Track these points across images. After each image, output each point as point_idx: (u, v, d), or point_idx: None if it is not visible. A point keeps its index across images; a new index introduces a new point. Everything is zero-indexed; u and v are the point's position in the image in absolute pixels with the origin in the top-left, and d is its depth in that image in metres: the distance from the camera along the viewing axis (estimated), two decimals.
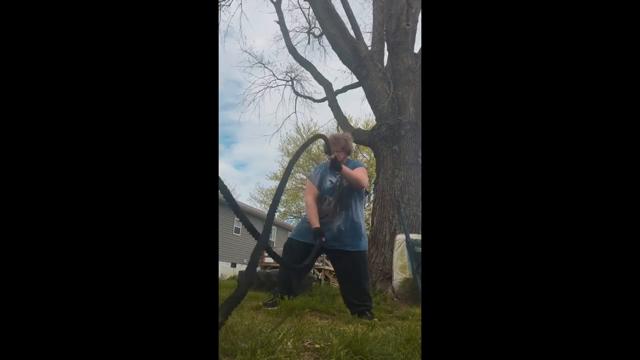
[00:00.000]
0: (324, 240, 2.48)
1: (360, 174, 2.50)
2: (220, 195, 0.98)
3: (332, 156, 2.39)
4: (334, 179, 2.59)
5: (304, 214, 2.79)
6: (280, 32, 7.51)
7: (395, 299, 3.63)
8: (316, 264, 2.91)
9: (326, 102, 6.53)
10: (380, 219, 4.34)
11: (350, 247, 2.49)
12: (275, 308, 2.29)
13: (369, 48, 5.45)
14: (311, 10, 6.90)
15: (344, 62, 5.51)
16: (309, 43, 8.46)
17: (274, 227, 17.49)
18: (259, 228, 1.11)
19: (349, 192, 2.54)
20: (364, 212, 2.77)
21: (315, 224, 2.50)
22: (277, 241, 17.69)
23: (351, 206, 2.53)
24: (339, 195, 2.55)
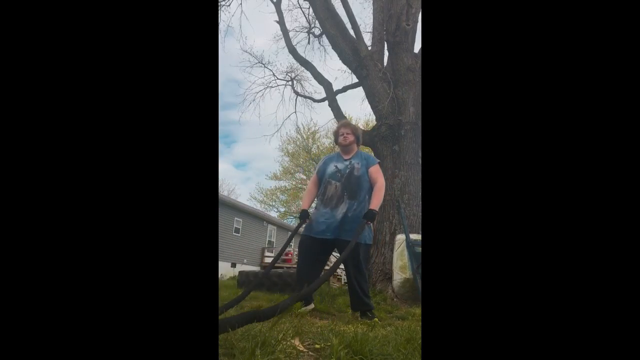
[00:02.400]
0: (308, 222, 2.53)
1: (381, 184, 2.49)
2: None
3: (364, 222, 2.38)
4: (340, 165, 2.56)
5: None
6: (280, 32, 7.51)
7: (395, 299, 3.63)
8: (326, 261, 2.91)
9: (326, 102, 6.53)
10: (380, 219, 4.34)
11: (351, 237, 2.38)
12: (311, 307, 2.34)
13: (369, 48, 5.45)
14: (311, 10, 6.89)
15: (344, 62, 5.51)
16: (309, 43, 8.45)
17: (273, 227, 17.48)
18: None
19: (359, 182, 2.49)
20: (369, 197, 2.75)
21: (304, 206, 2.57)
22: (277, 241, 17.68)
23: (359, 197, 2.47)
24: (347, 183, 2.50)
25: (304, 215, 2.53)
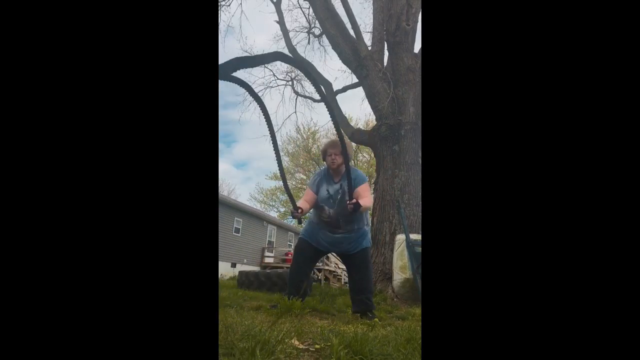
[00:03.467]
0: (301, 215, 2.40)
1: (369, 199, 2.45)
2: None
3: (354, 201, 2.28)
4: (331, 189, 2.54)
5: (309, 215, 2.76)
6: (280, 32, 7.52)
7: (395, 299, 3.63)
8: (317, 264, 2.94)
9: None
10: (380, 219, 4.34)
11: (354, 249, 2.52)
12: (275, 310, 2.29)
13: (369, 48, 5.45)
14: (311, 10, 6.90)
15: (344, 62, 5.51)
16: (309, 43, 8.47)
17: (273, 227, 17.48)
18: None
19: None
20: (368, 214, 2.76)
21: (300, 205, 2.43)
22: (277, 241, 17.68)
23: (354, 221, 2.50)
24: (340, 209, 2.48)
25: (295, 209, 2.40)
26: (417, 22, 5.17)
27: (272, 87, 9.28)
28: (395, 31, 4.93)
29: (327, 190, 2.54)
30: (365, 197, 2.43)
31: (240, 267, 13.61)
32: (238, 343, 1.08)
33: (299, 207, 2.40)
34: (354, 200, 2.29)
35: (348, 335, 1.30)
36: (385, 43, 5.28)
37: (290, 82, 9.15)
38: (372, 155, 5.40)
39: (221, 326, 1.29)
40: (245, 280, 5.15)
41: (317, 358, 1.14)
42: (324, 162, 2.64)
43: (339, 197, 2.50)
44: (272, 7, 7.55)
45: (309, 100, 9.03)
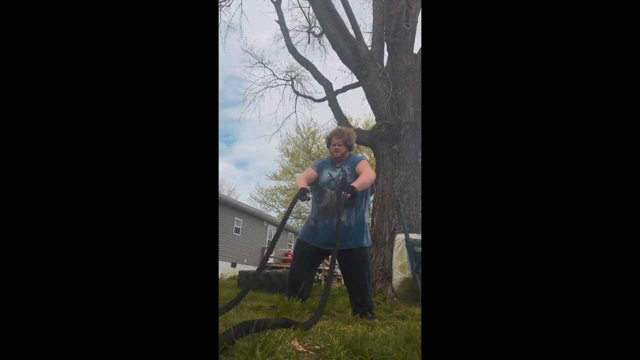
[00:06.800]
0: (310, 196, 2.46)
1: (368, 172, 2.48)
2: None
3: (349, 195, 2.36)
4: (333, 173, 2.59)
5: (307, 214, 2.79)
6: (280, 32, 7.51)
7: (395, 299, 3.63)
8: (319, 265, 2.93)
9: (326, 102, 6.54)
10: (380, 219, 4.34)
11: (354, 244, 2.49)
12: (275, 310, 2.29)
13: (369, 48, 5.45)
14: (311, 9, 6.90)
15: (344, 62, 5.51)
16: (309, 42, 8.46)
17: (273, 227, 17.47)
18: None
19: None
20: (368, 209, 2.76)
21: (302, 185, 2.50)
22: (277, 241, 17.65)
23: (356, 202, 2.51)
24: (341, 189, 2.51)
25: (303, 191, 2.46)
26: (416, 22, 5.17)
27: (272, 87, 9.27)
28: (395, 32, 4.92)
29: (329, 174, 2.61)
30: (365, 171, 2.46)
31: (240, 267, 13.59)
32: (238, 343, 1.08)
33: (305, 189, 2.44)
34: (349, 196, 2.36)
35: (348, 335, 1.30)
36: (385, 43, 5.28)
37: (290, 82, 9.14)
38: (372, 155, 5.40)
39: (221, 326, 1.29)
40: (245, 280, 5.14)
41: (317, 358, 1.14)
42: (328, 150, 2.68)
43: (340, 178, 2.55)
44: (272, 7, 7.54)
45: (309, 100, 9.02)
